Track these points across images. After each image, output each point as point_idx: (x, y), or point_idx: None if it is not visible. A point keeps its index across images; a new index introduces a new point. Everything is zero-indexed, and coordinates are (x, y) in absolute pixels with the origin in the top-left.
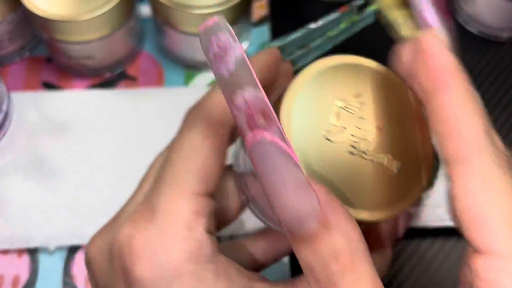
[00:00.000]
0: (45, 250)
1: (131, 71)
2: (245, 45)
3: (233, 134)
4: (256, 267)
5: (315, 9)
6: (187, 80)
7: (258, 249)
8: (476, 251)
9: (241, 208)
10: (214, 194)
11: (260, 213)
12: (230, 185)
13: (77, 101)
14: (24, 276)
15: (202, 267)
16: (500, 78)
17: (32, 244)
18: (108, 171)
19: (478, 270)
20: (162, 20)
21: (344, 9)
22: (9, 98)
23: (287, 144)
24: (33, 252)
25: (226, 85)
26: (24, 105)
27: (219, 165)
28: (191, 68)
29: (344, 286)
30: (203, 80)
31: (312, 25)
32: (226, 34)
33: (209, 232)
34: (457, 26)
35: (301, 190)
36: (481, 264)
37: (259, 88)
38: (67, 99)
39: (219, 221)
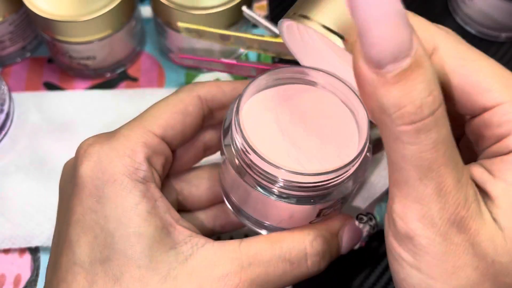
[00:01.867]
0: (47, 249)
1: (132, 71)
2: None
3: (216, 113)
4: (206, 233)
5: None
6: (187, 81)
7: (209, 217)
8: (484, 110)
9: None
10: (172, 146)
11: (235, 209)
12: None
13: (78, 102)
14: (26, 275)
15: (132, 183)
16: None
17: (34, 244)
18: None
19: (490, 119)
20: (163, 20)
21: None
22: (10, 98)
23: None
24: (34, 251)
25: None
26: (26, 105)
27: (183, 125)
28: (191, 69)
29: (436, 129)
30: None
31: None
32: None
33: (151, 164)
34: (456, 27)
35: (401, 23)
36: (490, 114)
37: None
38: (68, 100)
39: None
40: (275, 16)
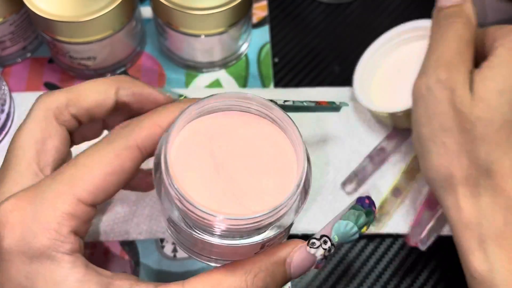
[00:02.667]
0: None
1: (132, 72)
2: (244, 46)
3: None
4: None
5: (314, 10)
6: (188, 81)
7: None
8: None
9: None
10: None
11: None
12: None
13: None
14: None
15: (60, 255)
16: None
17: None
18: None
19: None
20: (163, 21)
21: (321, 103)
22: (11, 98)
23: None
24: None
25: None
26: (26, 105)
27: (118, 185)
28: (192, 69)
29: None
30: (204, 81)
31: (288, 103)
32: None
33: (77, 234)
34: None
35: None
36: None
37: None
38: None
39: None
40: (275, 16)
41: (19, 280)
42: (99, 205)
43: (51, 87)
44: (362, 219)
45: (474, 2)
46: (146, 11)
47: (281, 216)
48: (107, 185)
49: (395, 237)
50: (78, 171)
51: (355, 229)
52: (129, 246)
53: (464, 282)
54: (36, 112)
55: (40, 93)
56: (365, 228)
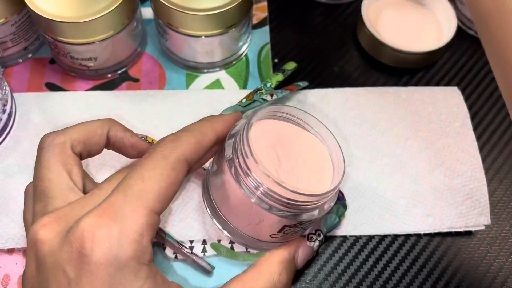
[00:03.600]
0: None
1: (133, 72)
2: (245, 47)
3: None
4: None
5: (313, 11)
6: (188, 82)
7: None
8: None
9: None
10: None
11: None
12: None
13: (79, 102)
14: None
15: (140, 267)
16: None
17: None
18: (110, 171)
19: None
20: (164, 22)
21: (291, 88)
22: (12, 99)
23: None
24: None
25: None
26: (28, 106)
27: (174, 193)
28: (192, 70)
29: None
30: (204, 82)
31: (268, 98)
32: None
33: (151, 242)
34: (456, 28)
35: None
36: None
37: None
38: (70, 100)
39: None
40: (275, 17)
41: None
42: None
43: (52, 87)
44: (340, 210)
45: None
46: (147, 12)
47: (309, 208)
48: (169, 195)
49: (394, 236)
50: (146, 185)
51: (337, 219)
52: None
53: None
54: (51, 148)
55: (41, 93)
56: (342, 217)
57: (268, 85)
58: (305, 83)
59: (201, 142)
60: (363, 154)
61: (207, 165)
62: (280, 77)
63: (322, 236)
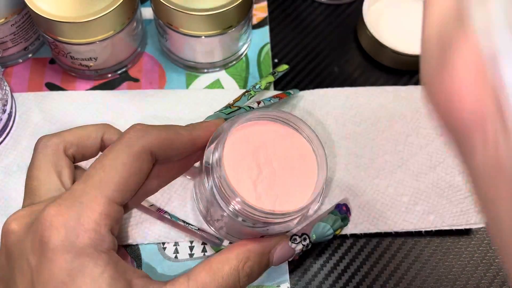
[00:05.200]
0: None
1: (133, 72)
2: (245, 47)
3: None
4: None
5: (314, 11)
6: (188, 82)
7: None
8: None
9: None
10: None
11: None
12: None
13: (80, 102)
14: None
15: (98, 254)
16: None
17: None
18: None
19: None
20: (164, 22)
21: (281, 95)
22: (12, 98)
23: None
24: None
25: None
26: (28, 105)
27: (138, 185)
28: (192, 70)
29: None
30: (204, 82)
31: (254, 105)
32: None
33: (111, 232)
34: None
35: None
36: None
37: None
38: (70, 100)
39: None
40: (275, 17)
41: (61, 277)
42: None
43: (52, 87)
44: (338, 223)
45: None
46: (147, 12)
47: (286, 221)
48: (131, 185)
49: (394, 236)
50: (106, 174)
51: (331, 231)
52: (131, 247)
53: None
54: (44, 149)
55: (41, 93)
56: (339, 230)
57: (258, 86)
58: (296, 91)
59: (172, 140)
60: (363, 151)
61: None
62: (270, 78)
63: (308, 241)
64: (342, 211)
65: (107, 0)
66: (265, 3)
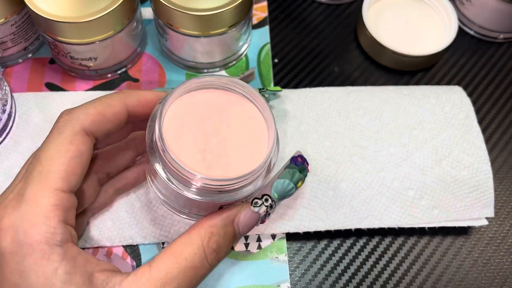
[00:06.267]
0: None
1: (133, 72)
2: (245, 47)
3: (99, 142)
4: None
5: (314, 10)
6: None
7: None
8: None
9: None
10: (75, 190)
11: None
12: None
13: (79, 102)
14: None
15: (51, 249)
16: (497, 77)
17: None
18: None
19: None
20: (164, 22)
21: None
22: (12, 99)
23: None
24: None
25: None
26: (28, 105)
27: (81, 167)
28: (192, 70)
29: None
30: None
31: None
32: None
33: (65, 222)
34: (457, 30)
35: None
36: None
37: None
38: (70, 100)
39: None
40: (274, 17)
41: (13, 279)
42: (76, 187)
43: (52, 87)
44: (297, 175)
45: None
46: (146, 12)
47: (239, 188)
48: (75, 170)
49: (395, 236)
50: (43, 167)
51: (291, 185)
52: (131, 247)
53: None
54: (65, 128)
55: (41, 93)
56: (300, 183)
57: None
58: (278, 88)
59: (104, 113)
60: (367, 143)
61: None
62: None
63: (270, 201)
64: (298, 163)
65: (107, 0)
66: (265, 3)
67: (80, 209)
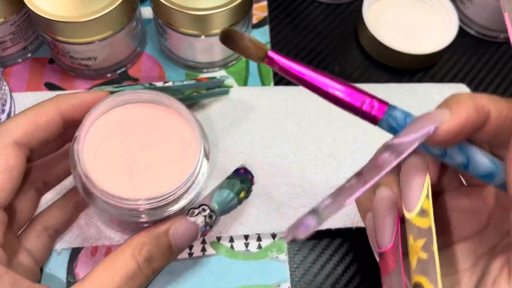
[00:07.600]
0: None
1: (132, 72)
2: None
3: (37, 152)
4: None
5: (314, 10)
6: None
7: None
8: None
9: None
10: (6, 204)
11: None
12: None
13: None
14: None
15: None
16: (498, 77)
17: None
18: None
19: None
20: (164, 21)
21: (201, 79)
22: (11, 98)
23: None
24: None
25: None
26: (27, 105)
27: (11, 181)
28: (192, 69)
29: None
30: None
31: (168, 84)
32: None
33: None
34: (458, 29)
35: None
36: None
37: None
38: None
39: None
40: (274, 17)
41: None
42: (5, 204)
43: (51, 87)
44: (238, 186)
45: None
46: (146, 11)
47: (164, 205)
48: (6, 185)
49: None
50: None
51: (232, 195)
52: None
53: None
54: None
55: (41, 93)
56: (242, 193)
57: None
58: (230, 86)
59: (37, 122)
60: (370, 139)
61: None
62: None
63: (209, 211)
64: (240, 174)
65: (107, 0)
66: (265, 3)
67: (17, 225)
